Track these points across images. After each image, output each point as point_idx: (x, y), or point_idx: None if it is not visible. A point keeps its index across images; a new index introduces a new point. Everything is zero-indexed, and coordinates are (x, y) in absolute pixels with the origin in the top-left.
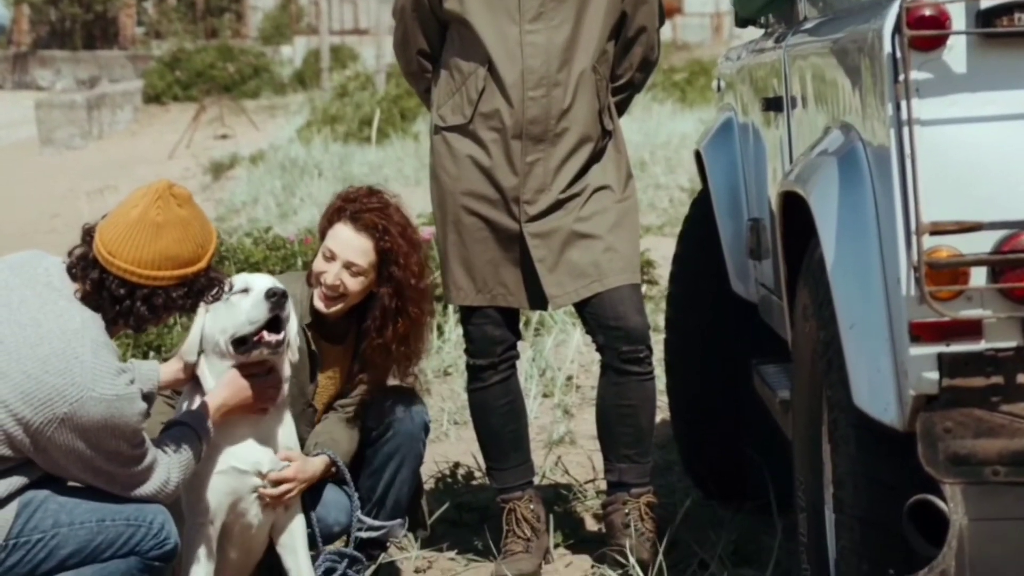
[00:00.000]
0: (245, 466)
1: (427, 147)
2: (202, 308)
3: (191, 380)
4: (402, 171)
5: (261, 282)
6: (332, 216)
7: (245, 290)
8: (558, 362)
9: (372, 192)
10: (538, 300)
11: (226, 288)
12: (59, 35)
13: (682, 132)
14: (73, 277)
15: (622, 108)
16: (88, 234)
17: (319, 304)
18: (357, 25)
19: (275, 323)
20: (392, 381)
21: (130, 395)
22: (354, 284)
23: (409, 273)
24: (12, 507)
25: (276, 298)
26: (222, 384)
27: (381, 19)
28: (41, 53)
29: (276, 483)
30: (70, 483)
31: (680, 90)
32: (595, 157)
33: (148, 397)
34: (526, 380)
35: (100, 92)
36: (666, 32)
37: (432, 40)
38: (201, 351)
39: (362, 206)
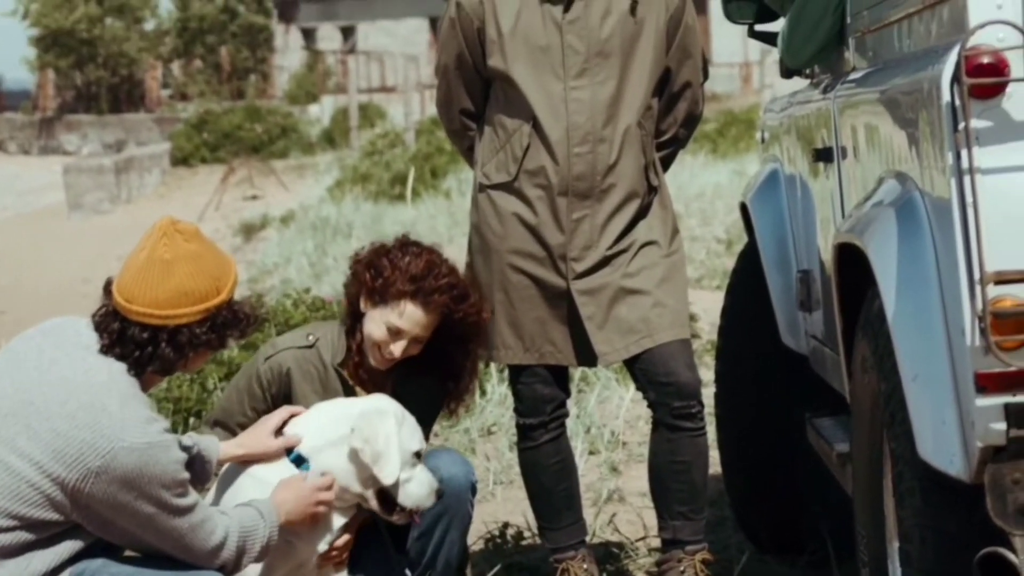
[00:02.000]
0: (298, 540)
1: (458, 205)
2: (394, 426)
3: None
4: (435, 229)
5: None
6: (398, 292)
7: (418, 453)
8: (603, 419)
9: (431, 263)
10: (587, 357)
11: (249, 320)
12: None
13: (715, 183)
14: (100, 333)
15: (667, 163)
16: (108, 287)
17: (375, 363)
18: (384, 83)
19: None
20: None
21: (163, 443)
22: (417, 349)
23: (475, 325)
24: None
25: (442, 496)
26: (283, 487)
27: (408, 77)
28: (67, 117)
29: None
30: (126, 553)
31: (711, 141)
32: (641, 213)
33: (203, 472)
34: (571, 438)
35: (127, 155)
36: None
37: (475, 98)
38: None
39: (432, 286)
